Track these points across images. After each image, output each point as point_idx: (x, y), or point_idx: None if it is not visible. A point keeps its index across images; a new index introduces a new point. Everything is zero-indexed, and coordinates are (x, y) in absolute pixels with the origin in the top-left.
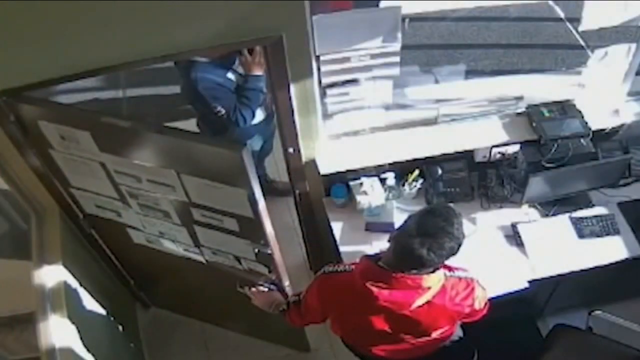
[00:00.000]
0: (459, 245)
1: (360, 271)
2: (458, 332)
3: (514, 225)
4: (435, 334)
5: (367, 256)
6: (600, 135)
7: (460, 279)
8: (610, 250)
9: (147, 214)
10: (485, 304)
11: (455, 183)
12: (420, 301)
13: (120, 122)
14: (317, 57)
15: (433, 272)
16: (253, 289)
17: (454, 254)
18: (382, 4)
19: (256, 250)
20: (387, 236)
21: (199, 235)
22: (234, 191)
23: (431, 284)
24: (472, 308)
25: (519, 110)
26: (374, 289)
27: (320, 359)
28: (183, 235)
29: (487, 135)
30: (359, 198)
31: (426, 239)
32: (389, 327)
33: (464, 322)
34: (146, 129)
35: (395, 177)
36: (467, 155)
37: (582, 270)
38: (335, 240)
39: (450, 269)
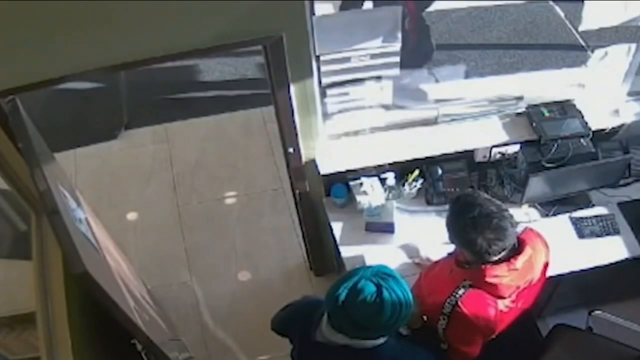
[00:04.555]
0: (502, 208)
1: (485, 276)
2: None
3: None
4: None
5: (462, 267)
6: (600, 135)
7: (524, 232)
8: (610, 250)
9: None
10: None
11: (455, 183)
12: (535, 269)
13: None
14: (317, 57)
15: (522, 247)
16: None
17: (505, 208)
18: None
19: None
20: (387, 236)
21: None
22: None
23: (529, 253)
24: (548, 246)
25: (519, 110)
26: (510, 282)
27: None
28: None
29: (487, 135)
30: (359, 198)
31: (489, 229)
32: (522, 302)
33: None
34: None
35: (395, 177)
36: (467, 155)
37: (582, 270)
38: (335, 240)
39: None
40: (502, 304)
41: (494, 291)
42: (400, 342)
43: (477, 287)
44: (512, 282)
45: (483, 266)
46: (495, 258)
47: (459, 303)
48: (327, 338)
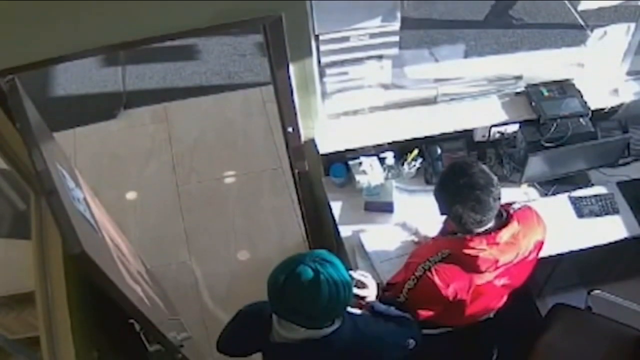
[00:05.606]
0: (491, 183)
1: (464, 247)
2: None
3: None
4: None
5: (448, 236)
6: (600, 115)
7: (520, 209)
8: (610, 229)
9: None
10: None
11: None
12: (521, 245)
13: None
14: (317, 37)
15: (508, 221)
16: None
17: (496, 184)
18: None
19: None
20: (386, 215)
21: None
22: None
23: (515, 230)
24: (544, 225)
25: (518, 90)
26: (489, 256)
27: None
28: None
29: (486, 115)
30: (358, 177)
31: (469, 199)
32: (507, 278)
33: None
34: None
35: (395, 157)
36: (466, 135)
37: (581, 250)
38: (334, 220)
39: (507, 208)
40: (479, 278)
41: (471, 263)
42: (358, 321)
43: (455, 256)
44: (491, 255)
45: (465, 236)
46: (480, 230)
47: (432, 269)
48: (284, 336)
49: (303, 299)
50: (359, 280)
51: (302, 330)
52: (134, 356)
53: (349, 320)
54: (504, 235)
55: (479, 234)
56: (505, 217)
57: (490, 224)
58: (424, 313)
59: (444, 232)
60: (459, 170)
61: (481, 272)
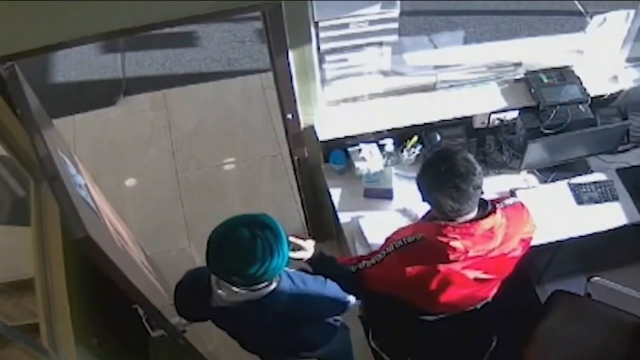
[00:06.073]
0: (473, 172)
1: (439, 234)
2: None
3: (512, 192)
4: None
5: (428, 220)
6: (599, 102)
7: (511, 205)
8: (609, 216)
9: None
10: None
11: None
12: (498, 240)
13: None
14: (316, 24)
15: (491, 212)
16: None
17: (478, 173)
18: None
19: None
20: (385, 202)
21: None
22: None
23: (496, 222)
24: (532, 225)
25: (518, 77)
26: (460, 245)
27: None
28: None
29: (486, 102)
30: (357, 164)
31: (447, 187)
32: (482, 272)
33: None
34: None
35: (394, 144)
36: (465, 122)
37: (580, 237)
38: (334, 207)
39: (498, 201)
40: (446, 267)
41: (440, 250)
42: (296, 280)
43: (427, 241)
44: (462, 245)
45: (440, 223)
46: (461, 219)
47: (401, 249)
48: (224, 300)
49: (238, 259)
50: (295, 244)
51: (241, 293)
52: (134, 343)
53: (286, 281)
54: (482, 226)
55: (458, 224)
56: (490, 209)
57: (472, 214)
58: (380, 288)
59: (427, 217)
60: (442, 158)
61: (449, 262)
